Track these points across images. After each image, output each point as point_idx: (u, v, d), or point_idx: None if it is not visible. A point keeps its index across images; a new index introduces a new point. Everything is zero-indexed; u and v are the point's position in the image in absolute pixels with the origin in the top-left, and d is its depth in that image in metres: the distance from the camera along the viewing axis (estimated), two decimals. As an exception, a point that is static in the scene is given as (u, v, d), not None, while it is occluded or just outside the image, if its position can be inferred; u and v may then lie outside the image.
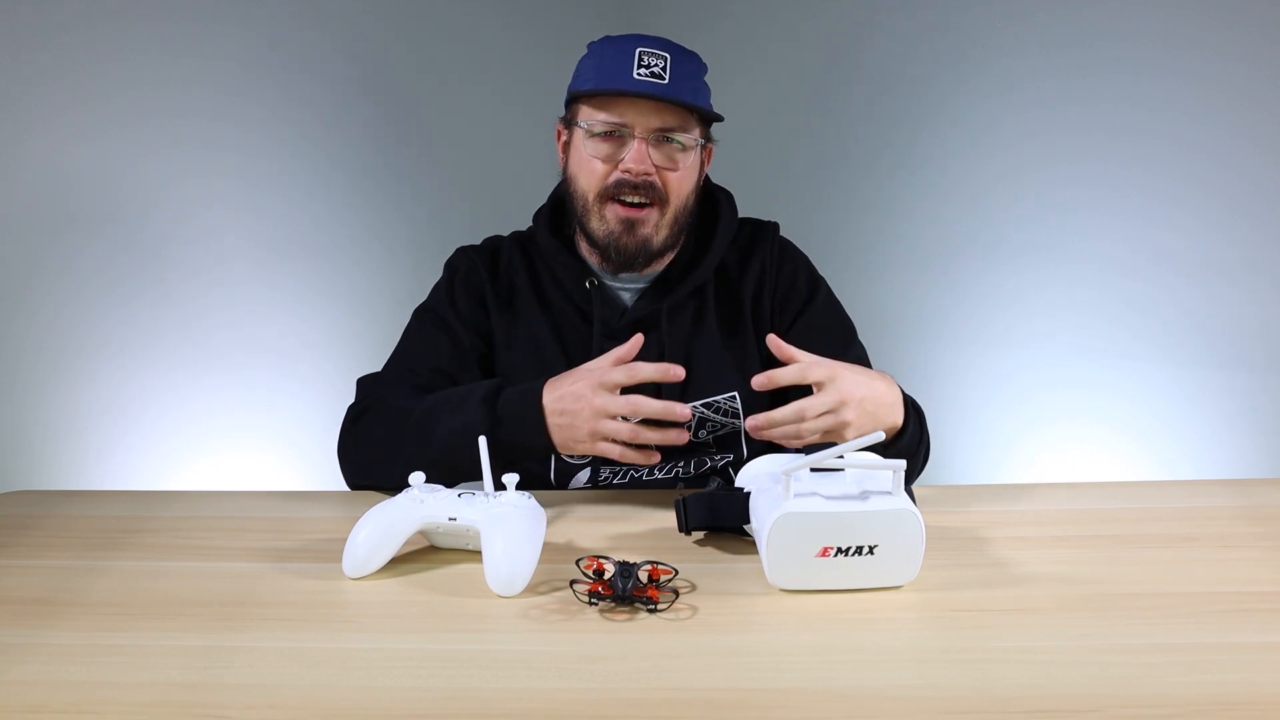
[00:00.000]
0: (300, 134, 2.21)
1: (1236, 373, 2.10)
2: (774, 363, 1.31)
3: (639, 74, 1.18)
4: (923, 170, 2.26)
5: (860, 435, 1.04)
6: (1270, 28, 1.99)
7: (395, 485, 0.98)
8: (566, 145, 1.28)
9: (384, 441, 1.16)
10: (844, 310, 1.36)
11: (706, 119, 1.26)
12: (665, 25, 2.26)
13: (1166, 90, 2.07)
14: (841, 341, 1.31)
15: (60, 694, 0.71)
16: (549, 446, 1.10)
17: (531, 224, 1.35)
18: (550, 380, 1.12)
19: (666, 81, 1.18)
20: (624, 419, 1.08)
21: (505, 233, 1.39)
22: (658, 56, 1.19)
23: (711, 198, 1.34)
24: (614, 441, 1.08)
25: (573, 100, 1.25)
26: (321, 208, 2.24)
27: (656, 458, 1.10)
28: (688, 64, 1.22)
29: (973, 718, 0.66)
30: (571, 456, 1.24)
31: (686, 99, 1.20)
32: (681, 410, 1.06)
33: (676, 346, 1.28)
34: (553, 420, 1.09)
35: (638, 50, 1.19)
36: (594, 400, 1.07)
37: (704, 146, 1.28)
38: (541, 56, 2.19)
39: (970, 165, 2.23)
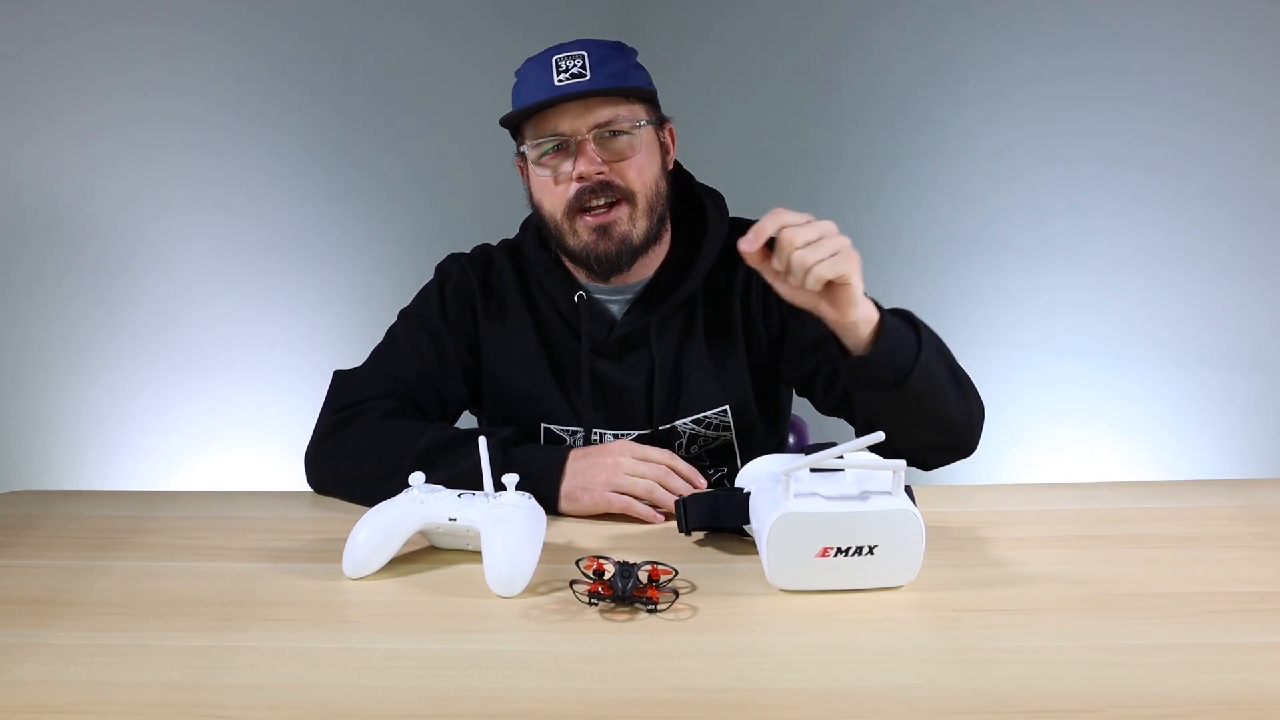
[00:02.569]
0: (297, 136, 2.21)
1: (1236, 373, 2.10)
2: (767, 372, 1.29)
3: (559, 80, 1.15)
4: (922, 171, 2.26)
5: (854, 272, 1.00)
6: (1270, 30, 1.99)
7: (368, 504, 0.96)
8: (526, 174, 1.25)
9: (376, 462, 1.12)
10: None
11: (646, 98, 1.21)
12: (664, 26, 2.26)
13: (1167, 92, 2.07)
14: None
15: (60, 694, 0.71)
16: (555, 493, 1.09)
17: (519, 232, 1.33)
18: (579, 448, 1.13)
19: (588, 77, 1.15)
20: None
21: (492, 235, 1.36)
22: (574, 58, 1.16)
23: (699, 202, 1.29)
24: (628, 496, 1.07)
25: (515, 132, 1.23)
26: (320, 209, 2.24)
27: (660, 519, 1.08)
28: (609, 52, 1.18)
29: (973, 718, 0.66)
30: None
31: (615, 84, 1.16)
32: (700, 481, 1.09)
33: (666, 362, 1.25)
34: (571, 466, 1.09)
35: (554, 59, 1.16)
36: (622, 458, 1.08)
37: (661, 127, 1.24)
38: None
39: (970, 166, 2.23)
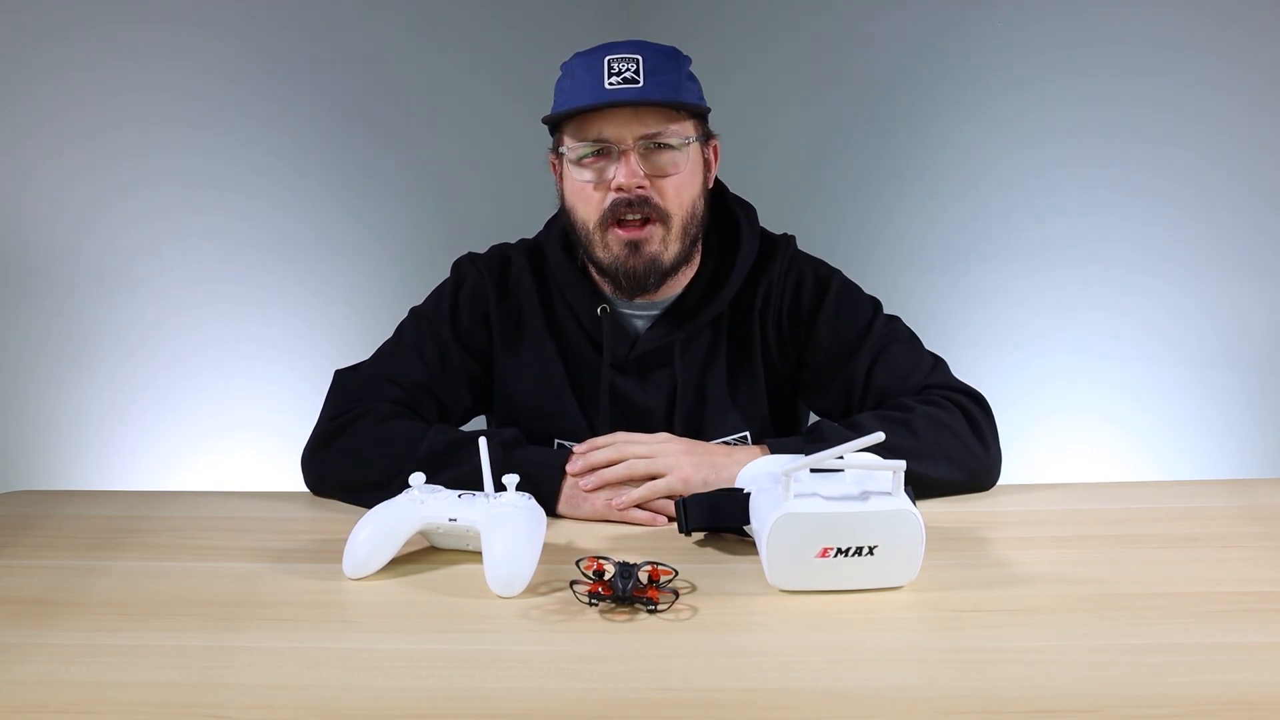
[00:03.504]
0: (296, 136, 2.21)
1: (1236, 373, 2.10)
2: (784, 395, 1.27)
3: (610, 83, 1.10)
4: (925, 171, 2.26)
5: (677, 473, 1.07)
6: (1270, 30, 1.99)
7: (368, 505, 0.97)
8: (561, 175, 1.21)
9: (376, 467, 1.11)
10: (862, 294, 1.27)
11: (697, 114, 1.17)
12: (666, 25, 2.26)
13: (1168, 92, 2.07)
14: (860, 326, 1.23)
15: (60, 694, 0.71)
16: (555, 497, 1.09)
17: (542, 231, 1.29)
18: None
19: (641, 84, 1.10)
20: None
21: (493, 235, 1.33)
22: (628, 61, 1.11)
23: (732, 216, 1.25)
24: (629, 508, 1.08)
25: (555, 129, 1.19)
26: (320, 209, 2.24)
27: (661, 520, 1.08)
28: (664, 60, 1.14)
29: (973, 718, 0.66)
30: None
31: (667, 97, 1.12)
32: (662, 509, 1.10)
33: (689, 383, 1.22)
34: (571, 476, 1.10)
35: (606, 59, 1.11)
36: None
37: (706, 143, 1.20)
38: (539, 57, 2.19)
39: (972, 167, 2.23)
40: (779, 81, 2.29)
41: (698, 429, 1.22)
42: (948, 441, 1.12)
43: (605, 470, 1.08)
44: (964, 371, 1.26)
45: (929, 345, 1.27)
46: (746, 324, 1.24)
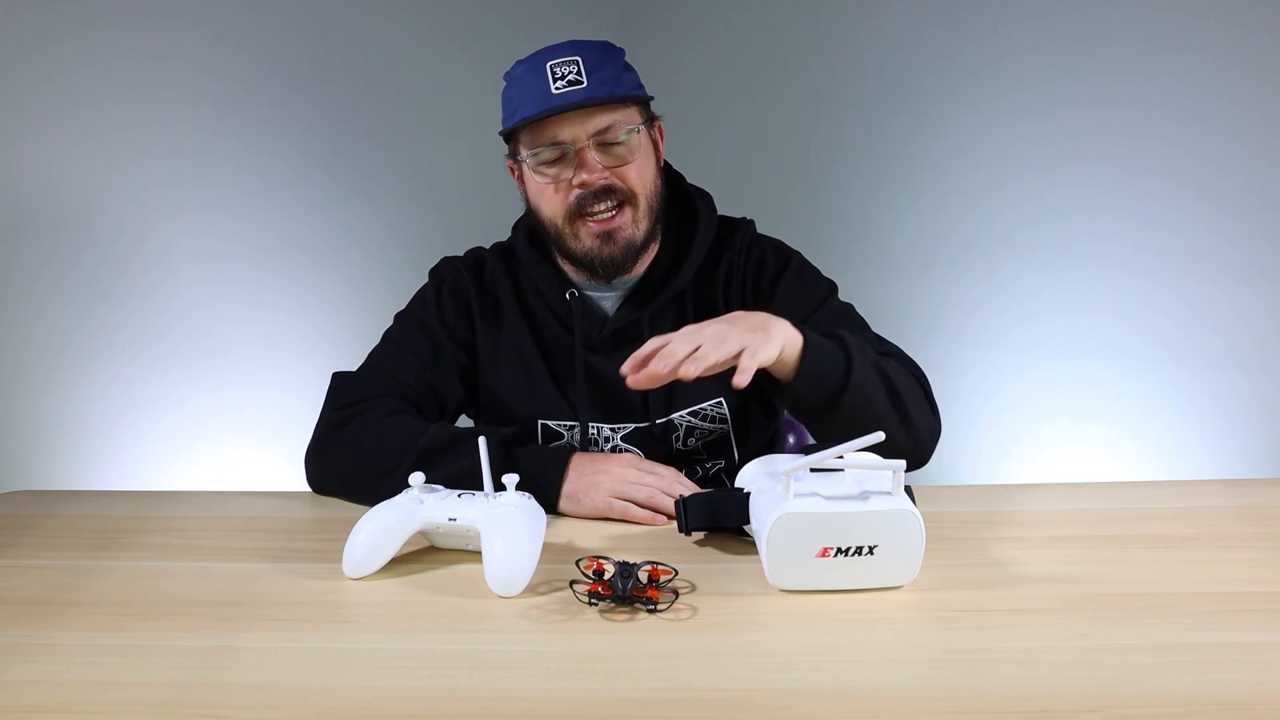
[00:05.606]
0: (296, 137, 2.21)
1: (1236, 373, 2.10)
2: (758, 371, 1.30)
3: (557, 88, 1.15)
4: (921, 171, 2.26)
5: (746, 342, 0.99)
6: (1270, 30, 1.99)
7: (369, 502, 0.97)
8: (521, 178, 1.26)
9: (378, 458, 1.14)
10: (821, 275, 1.31)
11: (641, 101, 1.22)
12: (664, 26, 2.26)
13: (1166, 92, 2.07)
14: (817, 299, 1.26)
15: (60, 694, 0.71)
16: (557, 492, 1.10)
17: (511, 234, 1.34)
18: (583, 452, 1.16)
19: (585, 84, 1.15)
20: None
21: (492, 235, 1.37)
22: (569, 64, 1.16)
23: (689, 200, 1.31)
24: (627, 502, 1.09)
25: (509, 138, 1.23)
26: (320, 209, 2.24)
27: (661, 520, 1.09)
28: (602, 56, 1.19)
29: (973, 718, 0.66)
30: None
31: (612, 92, 1.17)
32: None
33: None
34: (575, 467, 1.11)
35: (548, 65, 1.16)
36: (627, 469, 1.11)
37: (652, 125, 1.24)
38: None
39: (969, 166, 2.23)
40: (778, 81, 2.29)
41: (671, 398, 1.26)
42: (912, 388, 1.14)
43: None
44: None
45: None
46: (710, 298, 1.28)
